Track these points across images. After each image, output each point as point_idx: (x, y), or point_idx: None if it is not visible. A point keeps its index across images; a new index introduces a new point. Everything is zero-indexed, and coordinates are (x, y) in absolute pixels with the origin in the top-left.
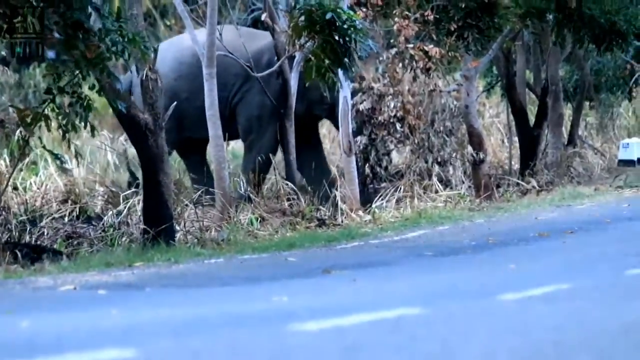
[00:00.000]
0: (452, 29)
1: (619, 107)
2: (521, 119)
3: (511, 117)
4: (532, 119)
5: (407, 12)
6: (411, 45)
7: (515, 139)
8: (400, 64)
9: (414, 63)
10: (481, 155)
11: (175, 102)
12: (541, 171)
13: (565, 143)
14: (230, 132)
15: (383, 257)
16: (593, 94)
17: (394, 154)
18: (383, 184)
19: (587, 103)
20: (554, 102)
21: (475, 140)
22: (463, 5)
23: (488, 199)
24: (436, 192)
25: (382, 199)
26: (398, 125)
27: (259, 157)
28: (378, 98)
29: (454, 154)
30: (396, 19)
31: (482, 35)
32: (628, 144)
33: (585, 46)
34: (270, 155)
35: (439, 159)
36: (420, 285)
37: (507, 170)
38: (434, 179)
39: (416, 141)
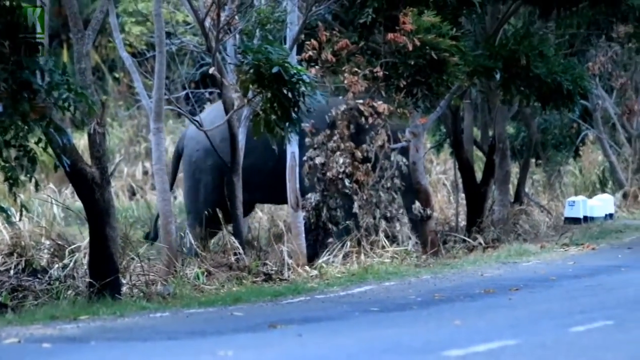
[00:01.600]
0: (401, 85)
1: (565, 165)
2: (468, 176)
3: (458, 174)
4: (479, 176)
5: (356, 69)
6: (360, 101)
7: (462, 195)
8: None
9: (363, 119)
10: (428, 212)
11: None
12: (487, 228)
13: (512, 200)
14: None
15: (329, 312)
16: (540, 151)
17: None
18: (330, 239)
19: (533, 161)
20: (501, 160)
21: (422, 196)
22: (412, 63)
23: (434, 255)
24: (383, 247)
25: (329, 254)
26: (347, 181)
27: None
28: (330, 154)
29: (401, 210)
30: (346, 74)
31: (431, 92)
32: (574, 202)
33: (532, 105)
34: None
35: (387, 215)
36: (365, 341)
37: (454, 227)
38: (381, 234)
39: (364, 197)
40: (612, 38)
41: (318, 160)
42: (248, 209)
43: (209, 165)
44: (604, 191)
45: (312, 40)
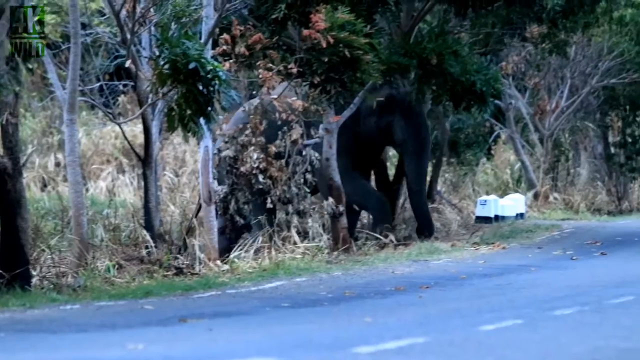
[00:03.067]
0: (315, 82)
1: (477, 164)
2: (381, 174)
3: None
4: (392, 174)
5: (271, 64)
6: (274, 97)
7: None
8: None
9: (277, 115)
10: (340, 208)
11: None
12: (399, 225)
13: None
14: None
15: (240, 307)
16: (452, 150)
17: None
18: (243, 234)
19: (446, 159)
20: None
21: (335, 193)
22: (326, 60)
23: (346, 252)
24: (295, 243)
25: (240, 249)
26: (260, 177)
27: None
28: (241, 148)
29: (313, 206)
30: (260, 70)
31: (345, 89)
32: (486, 201)
33: (444, 103)
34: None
35: (299, 211)
36: (276, 336)
37: (366, 224)
38: (293, 230)
39: (277, 193)
40: (526, 38)
41: (226, 154)
42: None
43: None
44: (515, 191)
45: (225, 34)
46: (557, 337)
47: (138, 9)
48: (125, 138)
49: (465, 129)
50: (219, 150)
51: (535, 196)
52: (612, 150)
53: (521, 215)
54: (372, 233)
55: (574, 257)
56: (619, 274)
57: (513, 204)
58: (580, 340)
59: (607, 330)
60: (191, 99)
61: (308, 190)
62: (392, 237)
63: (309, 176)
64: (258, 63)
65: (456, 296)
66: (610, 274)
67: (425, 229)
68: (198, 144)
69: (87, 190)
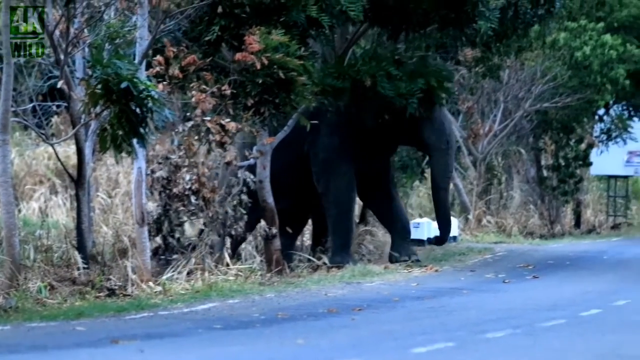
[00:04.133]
0: (249, 104)
1: (411, 187)
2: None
3: None
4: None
5: (204, 86)
6: (208, 119)
7: None
8: (197, 137)
9: (210, 136)
10: (273, 230)
11: None
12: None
13: (358, 221)
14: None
15: (172, 328)
16: None
17: (187, 226)
18: (175, 256)
19: None
20: None
21: (269, 215)
22: (260, 81)
23: (279, 274)
24: (227, 265)
25: (173, 271)
26: (193, 198)
27: None
28: (174, 169)
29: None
30: (194, 92)
31: (279, 111)
32: (419, 223)
33: None
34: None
35: (232, 233)
36: (207, 358)
37: (299, 246)
38: (226, 252)
39: (210, 214)
40: (460, 62)
41: (159, 174)
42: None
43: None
44: None
45: (159, 56)
46: None
47: (72, 30)
48: (58, 159)
49: (399, 152)
50: (152, 172)
51: (468, 219)
52: (545, 173)
53: (454, 239)
54: (304, 255)
55: (506, 280)
56: (551, 297)
57: None
58: None
59: (538, 354)
60: (124, 118)
61: (243, 211)
62: (325, 259)
63: (244, 197)
64: (192, 85)
65: (389, 318)
66: (542, 297)
67: (441, 230)
68: (132, 164)
69: (19, 211)
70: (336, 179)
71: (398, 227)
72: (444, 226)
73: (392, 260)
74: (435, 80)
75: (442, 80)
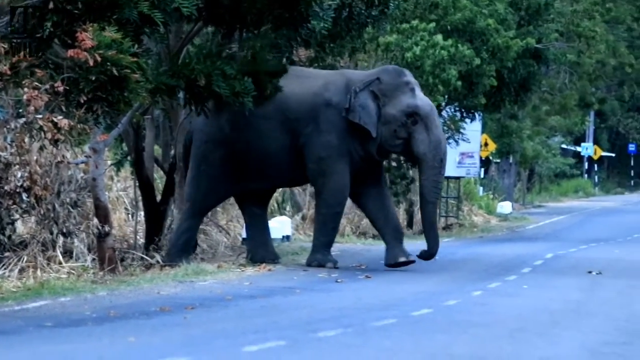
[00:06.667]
0: (82, 101)
1: None
2: (148, 194)
3: (138, 191)
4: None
5: (37, 83)
6: (40, 116)
7: (142, 213)
8: (29, 134)
9: (43, 134)
10: (106, 229)
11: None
12: (166, 246)
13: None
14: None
15: (2, 326)
16: None
17: (18, 224)
18: (7, 254)
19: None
20: (181, 179)
21: (101, 213)
22: (93, 78)
23: (112, 272)
24: (60, 263)
25: (4, 268)
26: (24, 195)
27: None
28: (5, 167)
29: (79, 226)
30: (26, 89)
31: (112, 108)
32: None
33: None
34: None
35: (64, 230)
36: (38, 356)
37: (132, 245)
38: (58, 250)
39: (42, 212)
40: (294, 62)
41: None
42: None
43: (218, 157)
44: (282, 213)
45: None
46: (319, 359)
47: None
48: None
49: None
50: None
51: (303, 218)
52: None
53: (287, 238)
54: (137, 253)
55: (339, 280)
56: (383, 297)
57: (279, 226)
58: None
59: (369, 353)
60: None
61: (72, 209)
62: (158, 257)
63: (73, 195)
64: (24, 82)
65: (221, 317)
66: (374, 297)
67: (429, 245)
68: None
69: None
70: (332, 179)
71: (391, 228)
72: (432, 240)
73: (391, 262)
74: (265, 74)
75: (271, 76)
